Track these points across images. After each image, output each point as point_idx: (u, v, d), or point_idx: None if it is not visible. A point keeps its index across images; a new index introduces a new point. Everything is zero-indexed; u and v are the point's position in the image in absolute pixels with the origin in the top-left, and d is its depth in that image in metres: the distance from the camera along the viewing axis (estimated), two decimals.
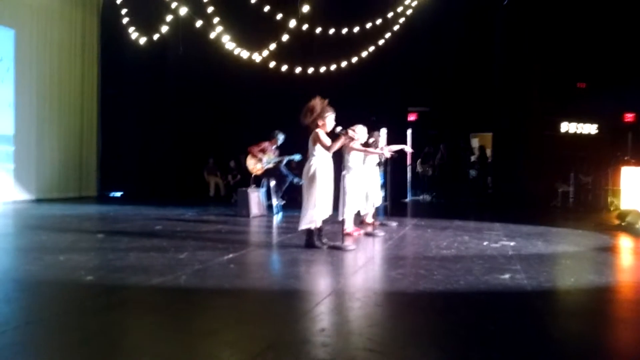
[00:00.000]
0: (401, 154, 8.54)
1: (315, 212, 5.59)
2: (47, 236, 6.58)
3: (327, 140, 5.59)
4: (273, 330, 3.01)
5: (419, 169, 14.86)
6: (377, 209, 7.80)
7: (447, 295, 3.85)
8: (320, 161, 5.63)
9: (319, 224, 5.73)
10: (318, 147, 5.63)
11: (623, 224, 8.17)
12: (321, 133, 5.61)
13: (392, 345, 2.80)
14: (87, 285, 4.02)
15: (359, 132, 7.06)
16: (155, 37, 12.04)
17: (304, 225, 5.65)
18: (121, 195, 14.28)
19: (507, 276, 4.43)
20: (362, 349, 2.68)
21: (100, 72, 14.36)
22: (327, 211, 5.71)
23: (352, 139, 5.83)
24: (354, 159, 6.93)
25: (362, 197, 7.19)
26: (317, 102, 5.66)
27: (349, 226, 6.94)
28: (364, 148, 7.00)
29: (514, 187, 12.31)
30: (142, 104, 14.13)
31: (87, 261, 4.87)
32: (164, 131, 14.03)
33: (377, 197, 7.70)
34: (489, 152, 14.14)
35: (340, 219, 6.15)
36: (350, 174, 6.80)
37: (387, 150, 7.62)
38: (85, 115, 13.93)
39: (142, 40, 12.12)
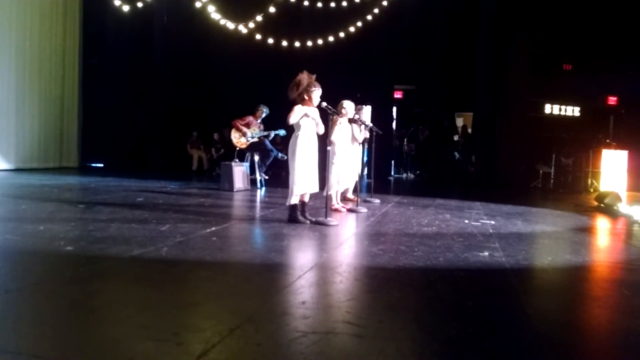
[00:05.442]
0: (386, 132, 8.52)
1: (296, 187, 5.60)
2: (27, 206, 6.51)
3: (293, 118, 5.53)
4: (254, 302, 3.03)
5: (405, 147, 14.91)
6: (358, 185, 7.81)
7: (426, 271, 3.90)
8: (303, 136, 5.62)
9: (306, 199, 5.77)
10: (302, 122, 5.60)
11: (602, 205, 8.31)
12: (297, 108, 5.57)
13: (370, 318, 2.84)
14: (67, 255, 3.99)
15: (347, 107, 7.06)
16: (139, 5, 11.78)
17: (290, 200, 5.67)
18: (102, 166, 14.12)
19: (486, 254, 4.50)
20: (341, 322, 2.71)
21: (82, 41, 14.06)
22: (311, 186, 5.72)
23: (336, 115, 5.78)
24: (339, 134, 6.92)
25: (347, 172, 7.18)
26: (304, 77, 5.61)
27: (335, 202, 6.97)
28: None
29: (496, 167, 12.42)
30: (125, 74, 13.89)
31: (67, 231, 4.83)
32: (146, 102, 13.83)
33: (357, 173, 7.70)
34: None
35: (325, 194, 6.16)
36: (336, 150, 6.80)
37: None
38: (67, 84, 13.67)
39: (126, 8, 11.86)
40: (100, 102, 14.17)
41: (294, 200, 5.68)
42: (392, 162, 14.58)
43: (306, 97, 5.61)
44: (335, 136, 6.83)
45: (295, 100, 5.64)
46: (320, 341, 2.43)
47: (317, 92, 5.65)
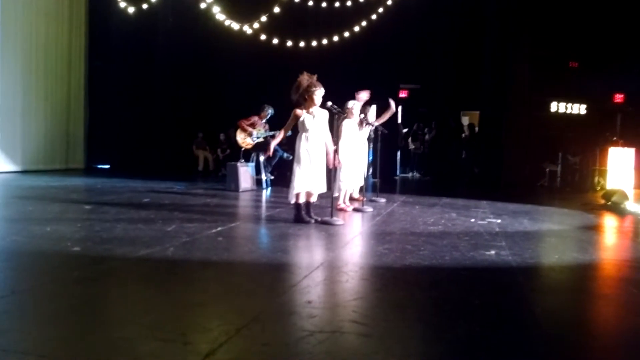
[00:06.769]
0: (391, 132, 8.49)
1: (294, 187, 5.60)
2: (34, 207, 6.54)
3: (288, 125, 5.74)
4: (260, 302, 3.03)
5: (410, 146, 14.89)
6: (364, 184, 7.79)
7: (432, 270, 3.89)
8: (308, 137, 5.61)
9: (312, 199, 5.77)
10: (306, 122, 5.60)
11: (609, 203, 8.27)
12: (298, 113, 5.58)
13: (377, 318, 2.83)
14: (74, 255, 4.00)
15: (354, 108, 7.04)
16: (144, 6, 11.82)
17: (291, 199, 5.69)
18: (108, 167, 14.17)
19: (492, 252, 4.48)
20: (347, 321, 2.71)
21: (88, 43, 14.10)
22: (312, 186, 5.69)
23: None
24: (346, 134, 6.91)
25: (354, 172, 7.16)
26: (304, 78, 5.61)
27: (342, 201, 6.96)
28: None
29: (502, 165, 12.37)
30: (130, 76, 13.92)
31: (73, 232, 4.85)
32: (152, 103, 13.86)
33: (363, 172, 7.68)
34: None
35: (335, 194, 6.15)
36: (343, 150, 6.79)
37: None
38: (72, 86, 13.71)
39: (131, 10, 11.89)
40: (105, 103, 14.20)
41: (300, 199, 5.69)
42: (398, 161, 14.56)
43: (307, 98, 5.60)
44: (342, 136, 6.84)
45: (297, 102, 5.64)
46: (326, 340, 2.43)
47: (318, 92, 5.61)
